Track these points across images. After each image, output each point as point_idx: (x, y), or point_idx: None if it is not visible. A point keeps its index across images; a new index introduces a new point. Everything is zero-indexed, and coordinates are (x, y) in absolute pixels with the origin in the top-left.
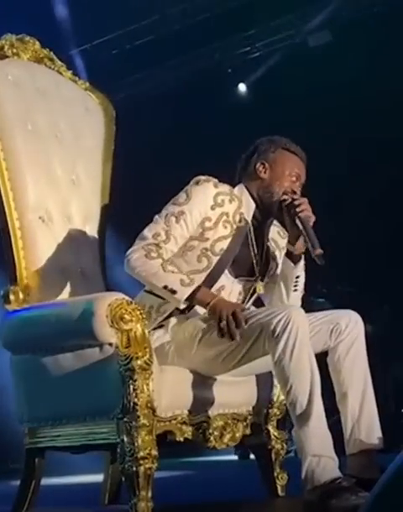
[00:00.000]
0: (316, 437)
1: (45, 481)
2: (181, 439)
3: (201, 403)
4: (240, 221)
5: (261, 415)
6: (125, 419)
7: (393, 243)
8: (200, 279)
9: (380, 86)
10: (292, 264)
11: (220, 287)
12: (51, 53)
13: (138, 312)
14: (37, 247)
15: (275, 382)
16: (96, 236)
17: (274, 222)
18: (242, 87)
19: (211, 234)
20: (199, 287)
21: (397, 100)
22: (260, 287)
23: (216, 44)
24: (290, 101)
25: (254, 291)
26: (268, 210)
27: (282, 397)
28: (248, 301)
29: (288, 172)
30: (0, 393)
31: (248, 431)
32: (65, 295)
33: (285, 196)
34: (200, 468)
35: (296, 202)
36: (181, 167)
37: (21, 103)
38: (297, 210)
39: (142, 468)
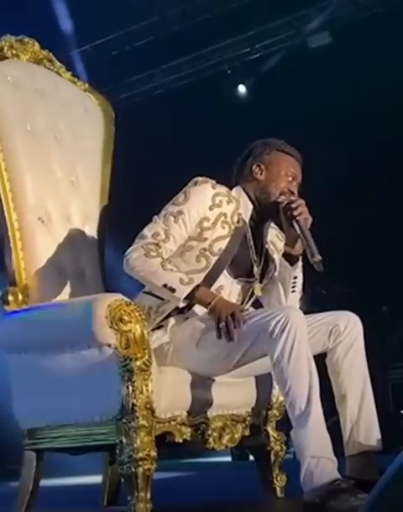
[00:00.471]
0: (315, 439)
1: (44, 482)
2: (180, 440)
3: (200, 404)
4: (238, 221)
5: (260, 417)
6: (124, 420)
7: (392, 244)
8: (199, 278)
9: (380, 86)
10: (290, 266)
11: (219, 287)
12: (50, 54)
13: (137, 313)
14: (36, 248)
15: (274, 383)
16: (95, 237)
17: (272, 224)
18: (241, 88)
19: (210, 234)
20: (198, 286)
21: (397, 101)
22: (258, 289)
23: (215, 45)
24: (290, 103)
25: (253, 293)
26: (265, 211)
27: (281, 398)
28: (246, 303)
29: (284, 172)
30: None
31: (247, 433)
32: (64, 295)
33: (282, 198)
34: (199, 469)
35: (294, 205)
36: (181, 168)
37: (20, 104)
38: (295, 213)
39: (141, 469)
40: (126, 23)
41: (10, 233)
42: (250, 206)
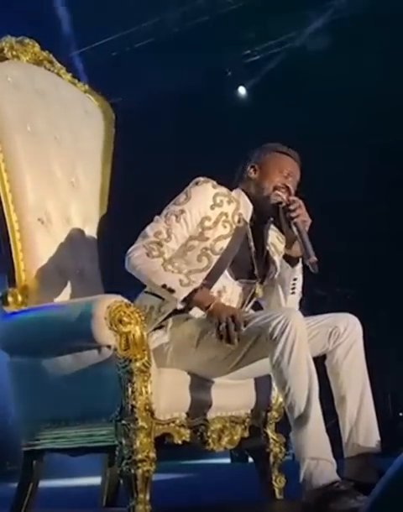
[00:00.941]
0: (314, 440)
1: (43, 483)
2: (179, 442)
3: (200, 406)
4: (239, 221)
5: (259, 418)
6: (123, 421)
7: (393, 247)
8: (200, 278)
9: (380, 89)
10: (289, 267)
11: (221, 288)
12: (51, 55)
13: (136, 314)
14: (36, 248)
15: (274, 385)
16: (95, 237)
17: (272, 226)
18: (241, 90)
19: (211, 233)
20: (198, 289)
21: (397, 103)
22: (259, 290)
23: (215, 47)
24: (290, 105)
25: (254, 294)
26: (264, 210)
27: (280, 400)
28: (247, 304)
29: (278, 169)
30: None
31: (246, 434)
32: (63, 296)
33: (278, 194)
34: (198, 471)
35: (291, 207)
36: (180, 169)
37: (21, 105)
38: (292, 215)
39: (140, 471)
40: (126, 24)
41: (10, 234)
42: (250, 207)
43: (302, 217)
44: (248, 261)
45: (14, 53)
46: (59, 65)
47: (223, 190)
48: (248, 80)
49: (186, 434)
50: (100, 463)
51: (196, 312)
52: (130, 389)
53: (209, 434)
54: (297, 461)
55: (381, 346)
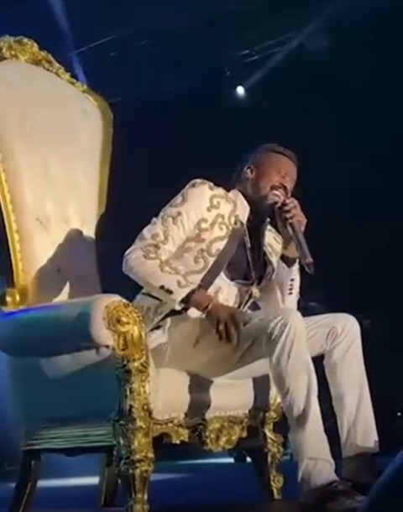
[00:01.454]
0: (313, 440)
1: (41, 483)
2: (178, 441)
3: (198, 405)
4: (235, 223)
5: (258, 418)
6: (121, 421)
7: (393, 248)
8: (197, 279)
9: (379, 89)
10: (287, 268)
11: (217, 289)
12: (49, 55)
13: (134, 314)
14: (34, 249)
15: (272, 385)
16: (93, 238)
17: (269, 227)
18: (240, 91)
19: (208, 235)
20: (195, 289)
21: (396, 103)
22: (256, 291)
23: (214, 47)
24: (289, 105)
25: (250, 296)
26: (260, 209)
27: (279, 400)
28: (244, 305)
29: (275, 168)
30: None
31: (244, 434)
32: (62, 297)
33: (275, 194)
34: (196, 471)
35: (286, 207)
36: (178, 170)
37: (19, 105)
38: (287, 216)
39: (138, 471)
40: (125, 24)
41: (8, 234)
42: (247, 208)
43: (297, 217)
44: (245, 262)
45: (13, 52)
46: (57, 64)
47: (220, 191)
48: (246, 80)
49: (184, 434)
50: (98, 463)
51: (194, 313)
52: (128, 389)
53: (207, 434)
54: (295, 461)
55: (380, 345)
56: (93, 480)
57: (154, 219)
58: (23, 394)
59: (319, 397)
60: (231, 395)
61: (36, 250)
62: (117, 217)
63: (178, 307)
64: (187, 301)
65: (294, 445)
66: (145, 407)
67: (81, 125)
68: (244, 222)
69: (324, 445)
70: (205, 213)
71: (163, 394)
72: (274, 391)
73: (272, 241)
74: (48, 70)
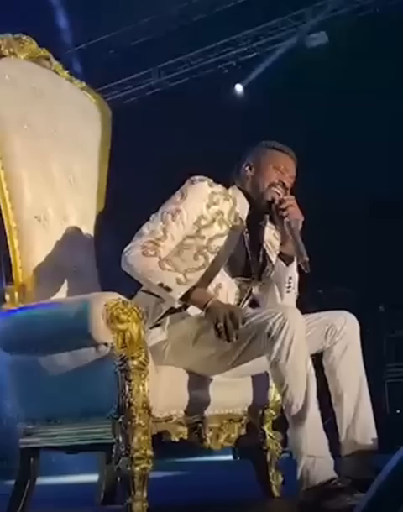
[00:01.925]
0: (312, 438)
1: (40, 481)
2: (177, 439)
3: (197, 403)
4: (235, 219)
5: (257, 416)
6: (120, 419)
7: (391, 244)
8: (196, 277)
9: (378, 87)
10: (285, 265)
11: (217, 286)
12: (48, 52)
13: (134, 312)
14: (33, 246)
15: (271, 383)
16: (92, 235)
17: (269, 224)
18: (238, 88)
19: (207, 232)
20: (194, 287)
21: (395, 101)
22: (256, 288)
23: (212, 44)
24: (287, 102)
25: (251, 292)
26: (259, 206)
27: (278, 398)
28: (244, 302)
29: (273, 165)
30: None
31: (243, 432)
32: (61, 294)
33: (274, 191)
34: (195, 469)
35: (283, 206)
36: (177, 167)
37: (18, 103)
38: (283, 214)
39: (137, 469)
40: (123, 21)
41: (7, 232)
42: (247, 205)
43: (294, 215)
44: (244, 259)
45: (11, 50)
46: (56, 62)
47: (220, 188)
48: (245, 78)
49: (184, 432)
50: (97, 461)
51: (193, 311)
52: (127, 387)
53: (206, 432)
54: (294, 458)
55: (378, 342)
56: (92, 478)
57: (153, 216)
58: (23, 392)
59: (318, 395)
60: (230, 393)
61: (35, 248)
62: (116, 215)
63: (177, 305)
64: (186, 299)
65: (293, 442)
66: (144, 405)
67: (79, 122)
68: (244, 219)
69: (323, 442)
70: (204, 210)
71: (162, 391)
72: (273, 389)
73: (272, 238)
74: (47, 67)
